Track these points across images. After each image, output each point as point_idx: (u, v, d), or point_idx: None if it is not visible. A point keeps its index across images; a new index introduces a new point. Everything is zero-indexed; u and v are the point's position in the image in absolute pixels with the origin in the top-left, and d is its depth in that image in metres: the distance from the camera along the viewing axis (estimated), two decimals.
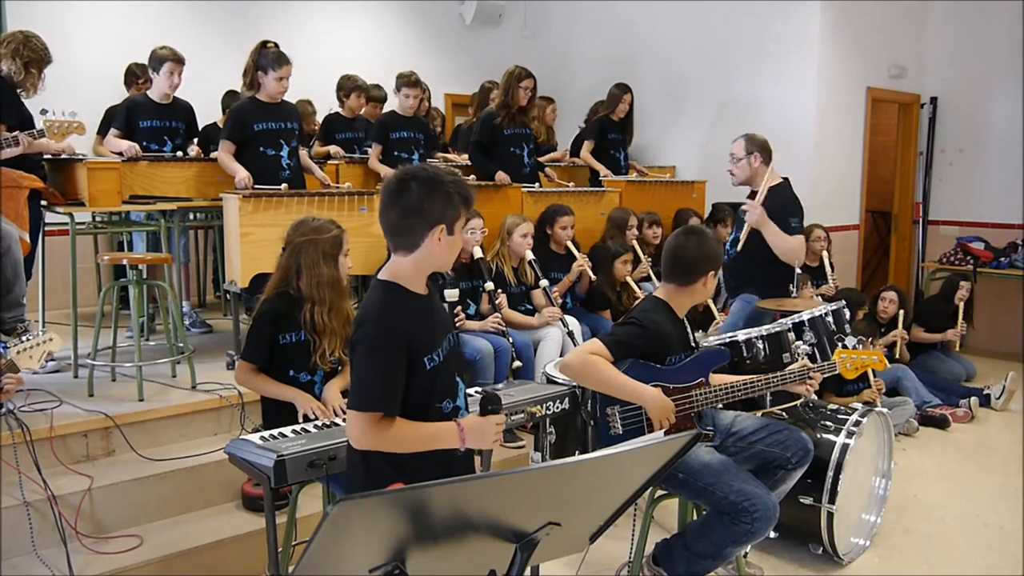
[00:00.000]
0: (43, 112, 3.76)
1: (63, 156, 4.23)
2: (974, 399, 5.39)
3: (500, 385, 3.11)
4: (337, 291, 2.93)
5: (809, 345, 3.48)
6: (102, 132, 5.14)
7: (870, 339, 3.73)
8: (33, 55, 3.97)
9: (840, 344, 3.37)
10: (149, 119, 4.84)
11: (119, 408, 3.57)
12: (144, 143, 4.72)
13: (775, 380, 2.84)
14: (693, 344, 2.88)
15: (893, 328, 5.66)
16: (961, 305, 5.94)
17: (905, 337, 5.61)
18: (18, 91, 3.99)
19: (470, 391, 2.79)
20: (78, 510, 3.12)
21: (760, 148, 4.18)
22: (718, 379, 2.82)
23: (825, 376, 2.99)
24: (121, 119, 4.80)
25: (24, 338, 2.56)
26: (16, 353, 2.54)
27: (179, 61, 4.77)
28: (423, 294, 2.07)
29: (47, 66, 4.06)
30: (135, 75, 5.44)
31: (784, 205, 4.06)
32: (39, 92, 4.08)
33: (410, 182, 1.96)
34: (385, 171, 5.25)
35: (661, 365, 2.68)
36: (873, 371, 4.47)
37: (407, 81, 5.24)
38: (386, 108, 5.84)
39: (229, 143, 4.40)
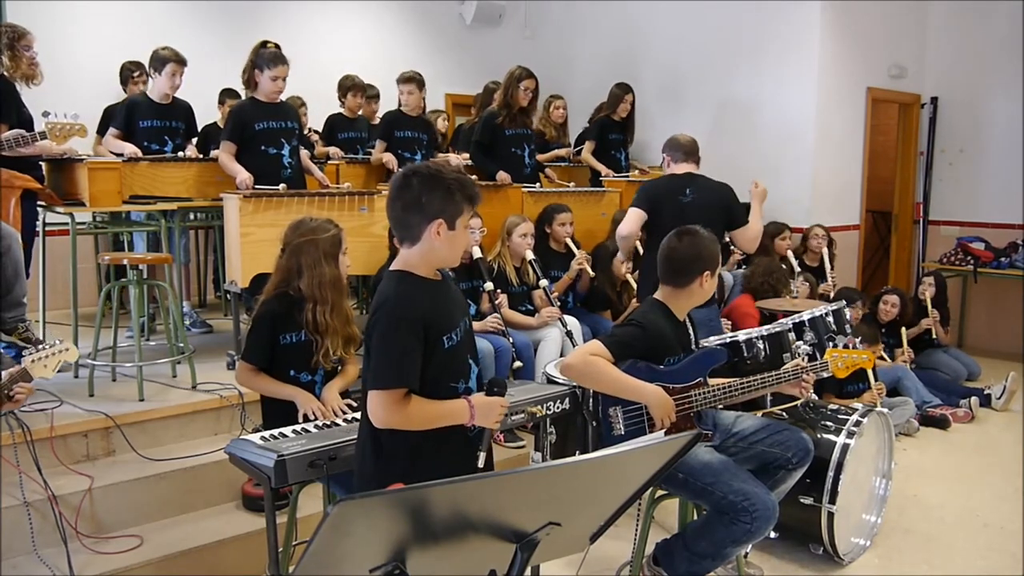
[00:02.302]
0: (45, 114, 3.74)
1: (64, 157, 4.23)
2: (974, 399, 5.39)
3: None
4: (338, 290, 2.94)
5: (809, 345, 3.48)
6: (101, 132, 5.14)
7: (860, 340, 3.74)
8: (12, 31, 3.94)
9: (831, 344, 3.37)
10: (149, 119, 4.84)
11: (119, 408, 3.57)
12: (144, 143, 4.73)
13: (770, 380, 2.84)
14: (695, 346, 2.88)
15: (893, 329, 5.67)
16: (928, 299, 5.96)
17: (910, 358, 5.61)
18: (21, 83, 3.97)
19: None
20: (78, 510, 3.12)
21: (672, 148, 4.27)
22: (713, 381, 2.83)
23: (819, 376, 2.99)
24: (121, 119, 4.80)
25: (40, 347, 2.57)
26: (31, 362, 2.55)
27: (181, 62, 4.78)
28: (436, 279, 2.17)
29: (33, 41, 4.02)
30: (130, 71, 5.44)
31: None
32: (41, 76, 4.04)
33: (412, 178, 2.08)
34: (388, 158, 5.26)
35: (660, 366, 2.68)
36: (874, 374, 4.49)
37: (403, 78, 5.32)
38: (390, 106, 5.84)
39: (230, 144, 4.40)
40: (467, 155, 5.75)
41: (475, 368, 2.24)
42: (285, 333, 2.91)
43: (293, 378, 2.92)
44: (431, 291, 2.13)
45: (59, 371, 3.98)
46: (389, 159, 5.25)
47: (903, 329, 5.62)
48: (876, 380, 4.61)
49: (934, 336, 6.03)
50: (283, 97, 4.59)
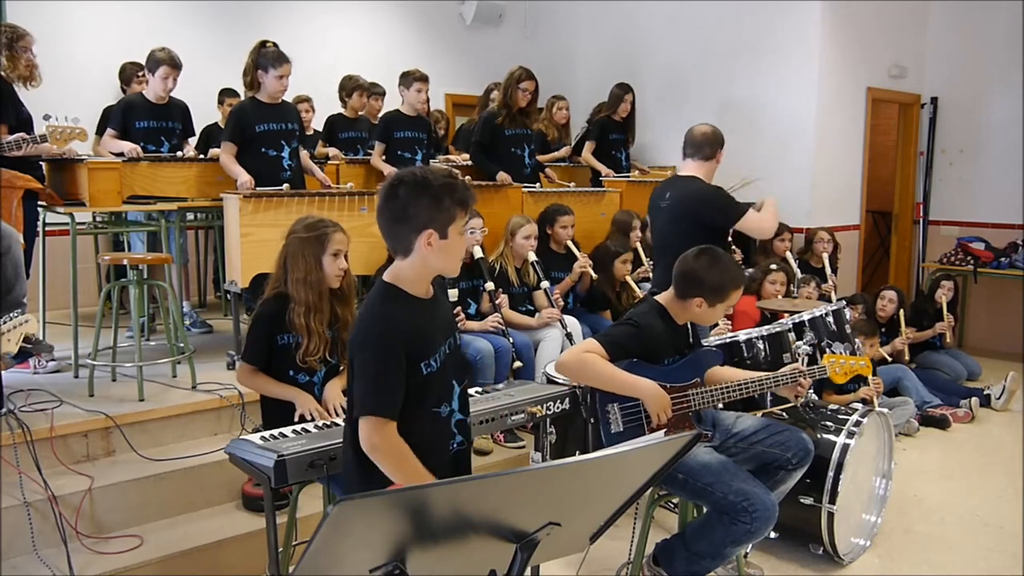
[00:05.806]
0: (46, 117, 3.73)
1: (63, 156, 4.22)
2: (974, 399, 5.39)
3: (500, 385, 3.11)
4: (316, 292, 2.85)
5: (809, 345, 3.48)
6: (100, 132, 5.14)
7: (859, 338, 3.74)
8: (11, 32, 3.92)
9: (829, 350, 3.37)
10: (145, 120, 4.82)
11: (119, 408, 3.57)
12: (140, 144, 4.70)
13: (767, 382, 2.84)
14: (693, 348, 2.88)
15: (892, 327, 5.67)
16: (944, 302, 5.98)
17: (907, 340, 5.61)
18: (18, 84, 3.96)
19: (471, 391, 2.79)
20: (78, 510, 3.12)
21: (683, 144, 4.10)
22: (717, 377, 2.83)
23: (815, 379, 2.99)
24: (117, 119, 4.78)
25: (1, 321, 2.59)
26: None
27: (176, 66, 4.74)
28: (424, 297, 2.07)
29: (32, 43, 3.99)
30: (132, 71, 5.45)
31: None
32: (39, 78, 4.02)
33: (399, 187, 1.96)
34: (388, 170, 5.25)
35: (656, 366, 2.68)
36: (872, 367, 4.49)
37: (419, 76, 5.29)
38: (392, 106, 5.84)
39: (231, 144, 4.40)
40: (467, 155, 5.75)
41: (458, 388, 2.15)
42: (281, 334, 2.89)
43: (292, 379, 2.91)
44: (416, 312, 2.02)
45: (57, 371, 4.07)
46: (390, 172, 5.21)
47: (903, 324, 5.60)
48: (874, 374, 4.60)
49: (947, 339, 6.05)
50: (287, 96, 4.58)
